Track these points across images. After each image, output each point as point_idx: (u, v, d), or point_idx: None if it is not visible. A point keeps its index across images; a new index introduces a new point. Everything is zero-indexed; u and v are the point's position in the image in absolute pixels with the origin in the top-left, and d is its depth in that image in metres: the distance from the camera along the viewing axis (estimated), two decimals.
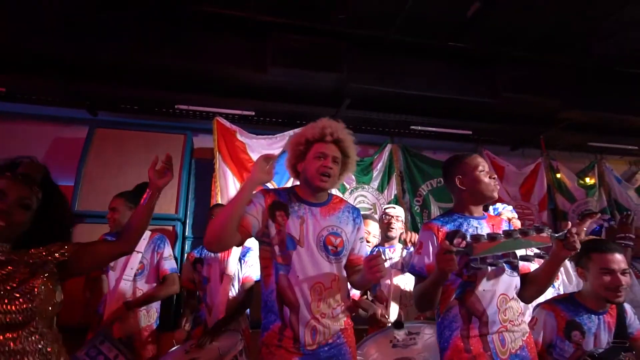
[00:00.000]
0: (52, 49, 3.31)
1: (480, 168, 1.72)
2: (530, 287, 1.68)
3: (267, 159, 1.59)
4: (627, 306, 1.95)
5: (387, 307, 2.60)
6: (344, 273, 1.73)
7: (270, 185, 3.50)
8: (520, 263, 1.71)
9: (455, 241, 1.59)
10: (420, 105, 4.24)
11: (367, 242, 2.88)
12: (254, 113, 4.08)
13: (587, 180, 5.16)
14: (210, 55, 3.56)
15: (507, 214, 2.78)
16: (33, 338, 1.20)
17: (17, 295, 1.18)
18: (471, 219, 1.71)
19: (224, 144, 3.89)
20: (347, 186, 4.32)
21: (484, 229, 1.69)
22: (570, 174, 5.15)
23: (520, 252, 1.66)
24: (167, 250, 2.78)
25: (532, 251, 1.69)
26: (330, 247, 1.66)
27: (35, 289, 1.21)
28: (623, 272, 1.80)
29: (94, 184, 3.62)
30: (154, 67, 3.61)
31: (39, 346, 1.21)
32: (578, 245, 1.51)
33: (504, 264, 1.61)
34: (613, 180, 5.30)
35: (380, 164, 4.48)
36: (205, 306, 2.75)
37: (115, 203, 2.65)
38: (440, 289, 1.61)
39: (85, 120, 4.03)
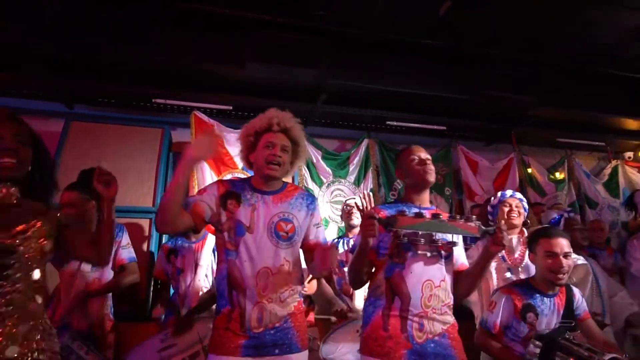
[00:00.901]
0: (28, 43, 3.30)
1: (412, 158, 1.83)
2: (463, 282, 1.78)
3: (206, 134, 1.64)
4: (575, 290, 2.09)
5: (352, 300, 2.71)
6: (297, 258, 1.80)
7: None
8: (459, 261, 1.81)
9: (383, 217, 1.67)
10: (396, 101, 4.33)
11: None
12: (232, 108, 4.13)
13: (557, 175, 5.35)
14: (188, 51, 3.59)
15: (510, 201, 2.63)
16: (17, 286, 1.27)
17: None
18: (413, 207, 1.79)
19: None
20: (324, 180, 4.41)
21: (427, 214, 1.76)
22: (541, 168, 5.33)
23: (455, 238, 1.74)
24: (125, 239, 2.73)
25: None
26: (281, 233, 1.73)
27: (33, 229, 1.33)
28: (565, 256, 1.94)
29: (69, 177, 3.59)
30: (131, 61, 3.62)
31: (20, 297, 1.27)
32: (506, 242, 1.61)
33: (429, 246, 1.69)
34: (582, 175, 5.49)
35: (357, 159, 4.58)
36: (178, 296, 2.81)
37: (69, 198, 2.46)
38: (366, 262, 1.71)
39: (61, 114, 4.02)
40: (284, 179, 1.91)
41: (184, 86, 3.88)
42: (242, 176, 3.37)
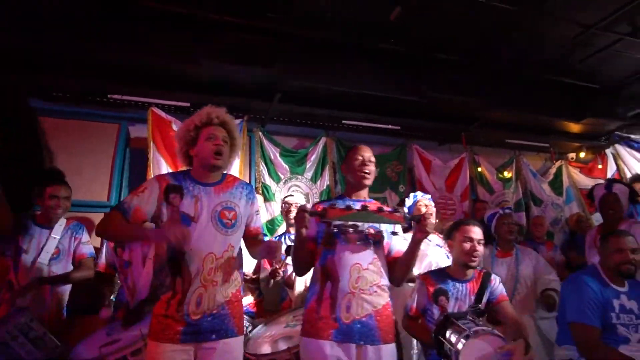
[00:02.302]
0: None
1: (356, 157, 1.98)
2: (396, 269, 1.95)
3: (183, 236, 1.65)
4: (494, 276, 2.30)
5: (293, 290, 2.88)
6: (239, 245, 1.92)
7: None
8: (394, 249, 1.98)
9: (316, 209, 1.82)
10: (352, 101, 4.51)
11: None
12: (189, 104, 4.20)
13: (506, 174, 5.67)
14: (145, 47, 3.60)
15: (424, 202, 3.05)
16: None
17: None
18: (347, 200, 1.96)
19: (159, 134, 3.99)
20: (282, 176, 4.55)
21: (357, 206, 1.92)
22: (490, 167, 5.64)
23: (387, 227, 1.91)
24: (85, 237, 2.89)
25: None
26: (225, 221, 1.84)
27: None
28: (479, 242, 2.17)
29: None
30: (87, 56, 3.63)
31: None
32: (430, 229, 1.79)
33: (356, 234, 1.86)
34: (529, 174, 5.84)
35: (314, 156, 4.74)
36: (127, 289, 2.88)
37: (66, 191, 2.79)
38: (304, 251, 1.88)
39: None
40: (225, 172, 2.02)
41: (140, 82, 3.92)
42: None
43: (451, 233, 2.31)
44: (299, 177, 4.62)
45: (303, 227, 1.77)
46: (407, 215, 1.80)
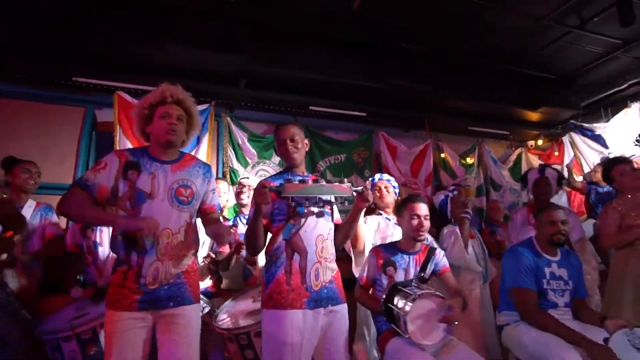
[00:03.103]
0: None
1: (280, 142, 2.07)
2: (338, 233, 2.11)
3: (155, 228, 1.73)
4: (438, 250, 2.48)
5: (255, 269, 3.01)
6: (194, 222, 2.00)
7: None
8: (336, 216, 2.14)
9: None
10: (319, 88, 4.63)
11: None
12: (156, 89, 4.21)
13: (468, 160, 5.92)
14: (110, 30, 3.62)
15: (382, 184, 3.15)
16: None
17: None
18: (296, 175, 2.06)
19: (125, 117, 4.01)
20: (249, 161, 4.65)
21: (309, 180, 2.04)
22: (453, 154, 5.87)
23: (339, 198, 2.05)
24: (55, 218, 3.00)
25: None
26: (181, 198, 1.89)
27: None
28: (425, 218, 2.34)
29: None
30: (51, 38, 3.61)
31: None
32: (370, 198, 1.96)
33: (315, 206, 1.98)
34: (490, 161, 6.10)
35: None
36: (95, 268, 2.95)
37: (36, 167, 2.99)
38: (259, 227, 1.94)
39: None
40: (185, 150, 2.08)
41: (106, 66, 3.93)
42: None
43: (400, 210, 2.48)
44: (267, 161, 4.72)
45: (264, 204, 1.83)
46: (352, 187, 1.95)
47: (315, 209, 1.99)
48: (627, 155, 4.05)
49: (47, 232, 2.91)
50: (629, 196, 2.94)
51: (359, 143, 5.32)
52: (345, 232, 2.13)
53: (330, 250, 2.02)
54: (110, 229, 2.91)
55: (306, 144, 2.15)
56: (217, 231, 2.00)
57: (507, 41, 4.55)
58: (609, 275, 2.99)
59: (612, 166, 3.08)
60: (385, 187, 3.11)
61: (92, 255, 2.96)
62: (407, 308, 1.96)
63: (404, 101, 5.10)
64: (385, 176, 3.22)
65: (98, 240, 2.99)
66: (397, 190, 3.17)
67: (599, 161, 4.91)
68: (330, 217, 2.07)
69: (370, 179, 3.26)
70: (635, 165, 3.38)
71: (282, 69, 4.19)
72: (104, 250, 2.98)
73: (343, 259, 2.63)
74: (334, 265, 2.03)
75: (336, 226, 2.13)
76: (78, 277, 3.05)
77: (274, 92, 4.53)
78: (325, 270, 1.96)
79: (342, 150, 5.19)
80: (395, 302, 2.07)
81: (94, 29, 3.58)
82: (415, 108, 5.24)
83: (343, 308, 1.99)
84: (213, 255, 3.03)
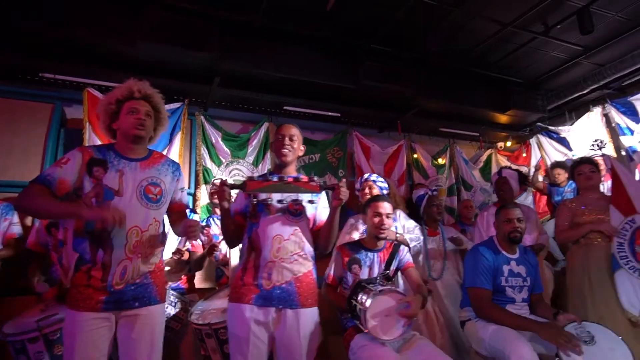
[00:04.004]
0: None
1: (277, 137, 2.12)
2: (319, 237, 2.10)
3: (120, 218, 1.68)
4: (402, 247, 2.55)
5: (228, 268, 3.03)
6: (163, 219, 1.99)
7: None
8: (319, 219, 2.12)
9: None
10: (292, 87, 4.64)
11: None
12: (122, 84, 4.15)
13: (440, 160, 6.06)
14: (79, 24, 3.54)
15: (369, 183, 3.15)
16: None
17: None
18: (277, 176, 2.06)
19: (95, 115, 3.93)
20: (223, 160, 4.64)
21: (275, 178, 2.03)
22: (426, 154, 6.01)
23: (307, 197, 2.01)
24: (15, 217, 2.97)
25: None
26: (150, 196, 1.88)
27: None
28: (387, 216, 2.40)
29: None
30: (17, 32, 3.52)
31: None
32: (344, 197, 1.92)
33: (279, 205, 1.98)
34: (461, 161, 6.27)
35: (256, 141, 4.86)
36: (60, 267, 2.91)
37: None
38: (229, 224, 1.98)
39: None
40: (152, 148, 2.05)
41: (75, 62, 3.85)
42: None
43: (365, 209, 2.54)
44: (241, 160, 4.73)
45: (224, 201, 1.88)
46: (322, 184, 1.97)
47: (276, 208, 1.98)
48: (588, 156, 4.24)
49: (8, 233, 2.86)
50: (582, 195, 3.11)
51: (333, 143, 5.38)
52: (325, 234, 2.07)
53: (292, 251, 1.97)
54: None
55: (302, 149, 2.18)
56: (186, 224, 1.91)
57: (477, 45, 4.67)
58: (567, 271, 3.15)
59: (575, 167, 3.22)
60: (370, 187, 3.09)
61: (58, 254, 2.92)
62: (367, 304, 2.01)
63: (377, 102, 5.17)
64: (374, 176, 3.22)
65: (63, 238, 2.95)
66: (385, 191, 3.13)
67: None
68: (297, 218, 2.03)
69: (363, 177, 3.25)
70: (601, 166, 3.59)
71: (255, 67, 4.18)
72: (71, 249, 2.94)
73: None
74: (297, 268, 1.97)
75: (318, 229, 2.11)
76: (41, 276, 2.99)
77: (249, 91, 4.52)
78: (281, 270, 1.93)
79: (316, 150, 5.24)
80: (358, 298, 2.12)
81: (62, 23, 3.50)
82: (388, 109, 5.32)
83: (303, 313, 1.93)
84: (183, 253, 3.03)
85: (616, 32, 4.44)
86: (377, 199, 2.50)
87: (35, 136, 3.82)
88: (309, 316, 1.97)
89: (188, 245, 3.19)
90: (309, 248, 2.05)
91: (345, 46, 4.48)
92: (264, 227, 1.97)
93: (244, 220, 2.05)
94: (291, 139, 2.11)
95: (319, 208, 2.13)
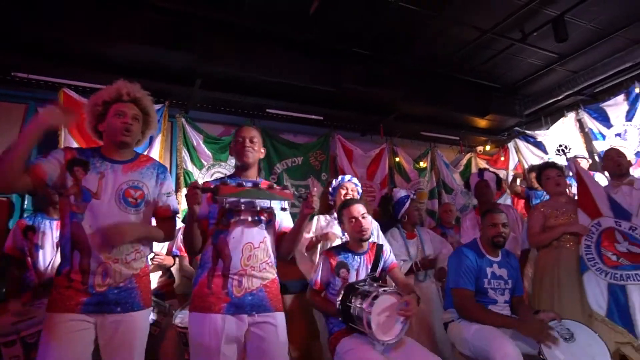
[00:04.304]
0: None
1: (237, 139, 2.07)
2: (283, 243, 2.09)
3: (60, 108, 1.67)
4: (386, 247, 2.56)
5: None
6: (147, 224, 1.92)
7: None
8: (283, 225, 2.11)
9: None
10: (274, 90, 4.61)
11: None
12: (104, 87, 4.05)
13: (421, 164, 6.14)
14: (55, 23, 3.44)
15: (347, 185, 3.11)
16: None
17: None
18: (238, 179, 2.03)
19: None
20: (205, 163, 4.58)
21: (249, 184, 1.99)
22: (407, 158, 6.07)
23: (277, 204, 2.01)
24: None
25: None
26: (129, 199, 1.82)
27: None
28: (363, 217, 2.40)
29: None
30: None
31: None
32: (315, 206, 1.94)
33: (250, 212, 1.93)
34: (442, 165, 6.36)
35: None
36: (35, 272, 2.82)
37: None
38: (195, 229, 1.90)
39: None
40: (140, 151, 2.03)
41: (50, 61, 3.73)
42: None
43: (339, 217, 2.53)
44: (222, 163, 4.67)
45: (195, 204, 1.80)
46: (296, 192, 1.95)
47: (248, 215, 1.94)
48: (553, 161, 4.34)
49: None
50: (552, 199, 3.17)
51: (315, 146, 5.38)
52: (290, 241, 2.07)
53: (262, 259, 1.95)
54: (56, 231, 2.81)
55: (262, 151, 2.14)
56: (164, 228, 1.92)
57: (457, 50, 4.76)
58: (535, 273, 3.17)
59: (541, 171, 3.26)
60: (352, 190, 3.06)
61: (33, 258, 2.83)
62: (368, 306, 2.00)
63: (360, 105, 5.20)
64: (355, 180, 3.20)
65: (40, 242, 2.86)
66: (359, 188, 3.15)
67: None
68: (267, 226, 2.01)
69: (340, 178, 3.20)
70: (587, 163, 3.65)
71: (236, 69, 4.14)
72: (45, 253, 2.86)
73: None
74: (267, 274, 1.96)
75: (282, 234, 2.10)
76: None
77: (231, 93, 4.48)
78: (250, 279, 1.90)
79: (299, 153, 5.22)
80: (353, 302, 2.10)
81: (37, 21, 3.39)
82: (370, 112, 5.36)
83: (275, 317, 1.93)
84: (161, 259, 2.97)
85: (589, 41, 4.58)
86: (347, 203, 2.50)
87: (7, 138, 3.66)
88: (280, 320, 1.96)
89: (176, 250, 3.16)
90: (273, 256, 2.04)
91: (328, 49, 4.49)
92: (233, 233, 1.92)
93: (207, 226, 1.97)
94: (252, 141, 2.07)
95: (282, 214, 2.12)
